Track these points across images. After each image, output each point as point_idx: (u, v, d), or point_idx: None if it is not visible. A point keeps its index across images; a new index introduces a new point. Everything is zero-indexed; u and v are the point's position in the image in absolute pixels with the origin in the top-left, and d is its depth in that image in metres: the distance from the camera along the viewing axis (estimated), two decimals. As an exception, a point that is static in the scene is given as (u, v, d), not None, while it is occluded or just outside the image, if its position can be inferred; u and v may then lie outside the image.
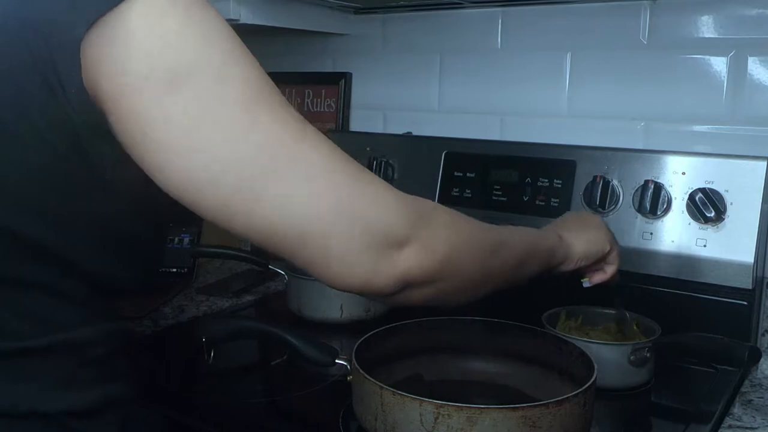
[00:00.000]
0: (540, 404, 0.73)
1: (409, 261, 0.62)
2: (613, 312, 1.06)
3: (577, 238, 0.89)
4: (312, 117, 1.62)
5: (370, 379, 0.79)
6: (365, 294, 0.64)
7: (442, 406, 0.72)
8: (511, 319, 0.98)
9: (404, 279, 0.63)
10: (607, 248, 0.92)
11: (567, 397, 0.74)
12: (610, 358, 0.95)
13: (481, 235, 0.73)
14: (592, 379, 0.79)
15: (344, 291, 0.63)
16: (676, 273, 1.10)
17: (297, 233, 0.58)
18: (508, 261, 0.77)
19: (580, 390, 0.76)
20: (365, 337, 0.90)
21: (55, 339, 0.60)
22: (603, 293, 1.11)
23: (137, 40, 0.52)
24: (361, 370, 0.81)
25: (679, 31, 1.18)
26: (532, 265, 0.81)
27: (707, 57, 1.17)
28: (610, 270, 0.94)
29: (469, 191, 1.29)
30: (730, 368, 1.04)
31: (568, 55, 1.29)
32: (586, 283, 0.94)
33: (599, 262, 0.93)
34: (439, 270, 0.65)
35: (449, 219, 0.69)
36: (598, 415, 0.89)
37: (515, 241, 0.79)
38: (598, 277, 0.94)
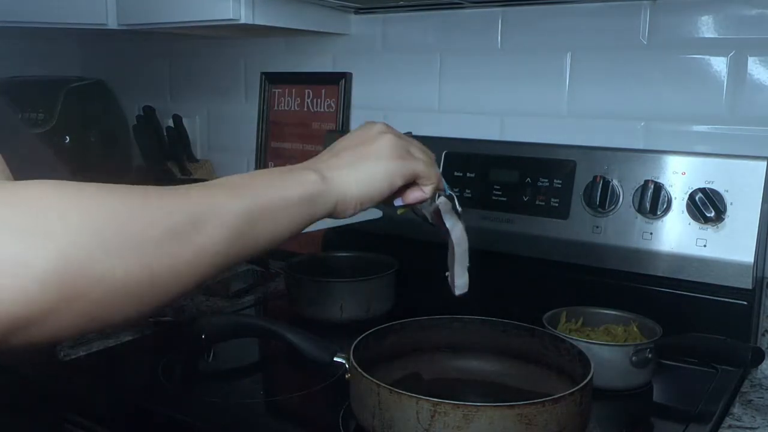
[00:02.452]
0: (536, 402, 0.73)
1: None
2: (614, 313, 1.06)
3: (349, 173, 0.66)
4: (312, 117, 1.62)
5: (368, 377, 0.79)
6: None
7: (438, 404, 0.72)
8: (512, 319, 0.98)
9: None
10: (398, 182, 0.69)
11: (563, 395, 0.74)
12: (612, 359, 0.95)
13: (137, 221, 0.48)
14: (589, 377, 0.79)
15: None
16: (676, 273, 1.10)
17: None
18: (207, 245, 0.52)
19: (576, 388, 0.76)
20: (363, 335, 0.90)
21: None
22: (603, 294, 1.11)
23: None
24: (358, 368, 0.81)
25: (679, 31, 1.18)
26: (270, 229, 0.59)
27: (707, 57, 1.17)
28: (428, 190, 0.73)
29: (469, 191, 1.29)
30: (730, 368, 1.03)
31: (568, 55, 1.29)
32: (398, 201, 0.73)
33: (406, 186, 0.72)
34: (46, 294, 0.43)
35: (65, 207, 0.45)
36: (599, 415, 0.89)
37: (225, 209, 0.55)
38: (414, 196, 0.73)
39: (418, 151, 0.73)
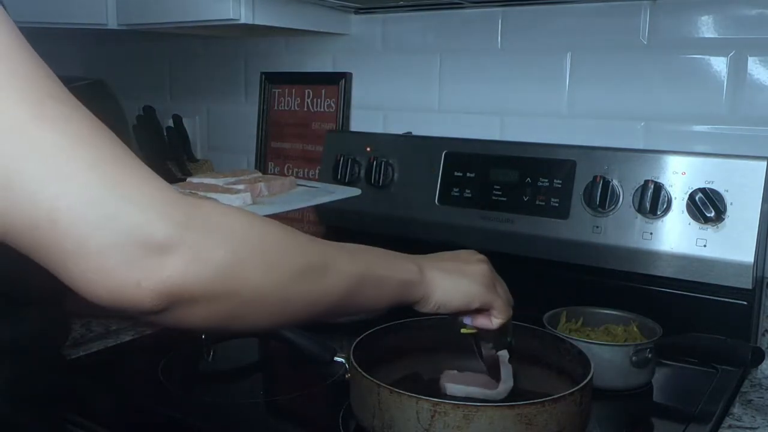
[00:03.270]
0: (536, 402, 0.73)
1: (172, 270, 0.51)
2: (614, 313, 1.06)
3: (442, 279, 0.76)
4: (312, 117, 1.62)
5: (368, 376, 0.79)
6: (122, 308, 0.52)
7: (438, 403, 0.73)
8: (512, 319, 0.98)
9: (168, 292, 0.52)
10: (475, 305, 0.78)
11: (563, 395, 0.74)
12: (612, 359, 0.95)
13: (289, 251, 0.61)
14: (589, 377, 0.79)
15: (96, 302, 0.53)
16: (676, 273, 1.10)
17: (45, 220, 0.49)
18: (328, 289, 0.64)
19: (576, 388, 0.76)
20: (364, 335, 0.91)
21: None
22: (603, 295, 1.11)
23: None
24: (358, 368, 0.81)
25: (679, 31, 1.18)
26: (372, 297, 0.70)
27: (707, 57, 1.17)
28: (496, 322, 0.81)
29: (469, 191, 1.29)
30: (730, 368, 1.03)
31: (568, 55, 1.29)
32: (467, 320, 0.82)
33: (480, 311, 0.81)
34: (214, 284, 0.54)
35: (236, 225, 0.57)
36: (599, 415, 0.89)
37: (347, 267, 0.66)
38: (481, 321, 0.82)
39: (502, 289, 0.82)
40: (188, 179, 1.32)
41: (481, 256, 0.82)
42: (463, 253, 0.83)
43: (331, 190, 1.29)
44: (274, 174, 1.68)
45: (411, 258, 0.76)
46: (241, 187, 1.20)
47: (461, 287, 0.77)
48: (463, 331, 0.82)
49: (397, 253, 0.75)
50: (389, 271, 0.72)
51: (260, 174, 1.36)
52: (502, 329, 0.83)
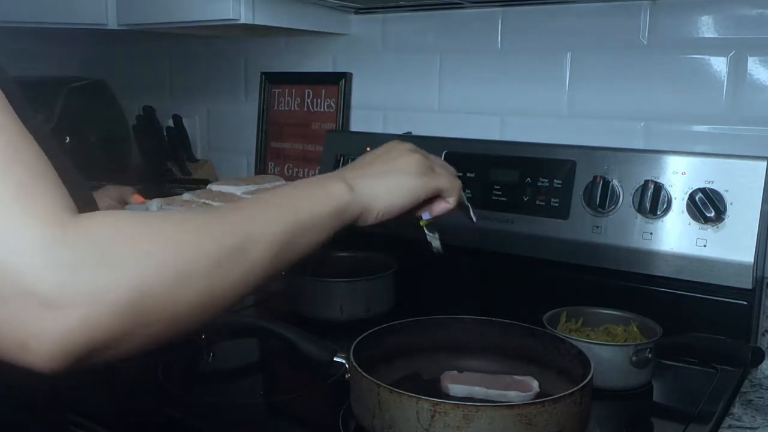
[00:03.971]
0: (536, 402, 0.74)
1: (64, 325, 0.44)
2: (614, 313, 1.06)
3: (375, 186, 0.70)
4: (312, 117, 1.62)
5: (368, 376, 0.79)
6: (33, 368, 0.46)
7: (438, 403, 0.72)
8: (512, 319, 0.98)
9: (65, 351, 0.45)
10: (421, 196, 0.74)
11: (563, 395, 0.74)
12: (612, 359, 0.95)
13: (200, 248, 0.52)
14: (588, 378, 0.79)
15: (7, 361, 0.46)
16: (676, 273, 1.10)
17: None
18: (256, 261, 0.57)
19: (576, 388, 0.76)
20: (364, 335, 0.91)
21: None
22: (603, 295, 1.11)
23: None
24: (358, 368, 0.81)
25: (679, 31, 1.18)
26: (309, 241, 0.64)
27: (707, 57, 1.17)
28: (452, 201, 0.78)
29: (469, 191, 1.29)
30: (730, 368, 1.03)
31: (568, 55, 1.29)
32: (426, 215, 0.78)
33: (432, 199, 0.77)
34: (123, 325, 0.46)
35: (136, 246, 0.48)
36: (600, 415, 0.89)
37: (268, 228, 0.59)
38: (440, 208, 0.78)
39: (440, 167, 0.77)
40: (209, 186, 1.31)
41: (408, 145, 0.76)
42: (384, 148, 0.76)
43: None
44: (275, 174, 1.68)
45: (335, 176, 0.70)
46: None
47: (398, 186, 0.72)
48: (422, 224, 0.80)
49: (319, 178, 0.70)
50: (316, 206, 0.65)
51: (282, 181, 1.35)
52: (463, 205, 0.81)
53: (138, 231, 0.50)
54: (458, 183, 0.78)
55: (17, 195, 0.45)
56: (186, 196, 1.24)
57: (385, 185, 0.71)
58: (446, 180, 0.76)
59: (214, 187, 1.29)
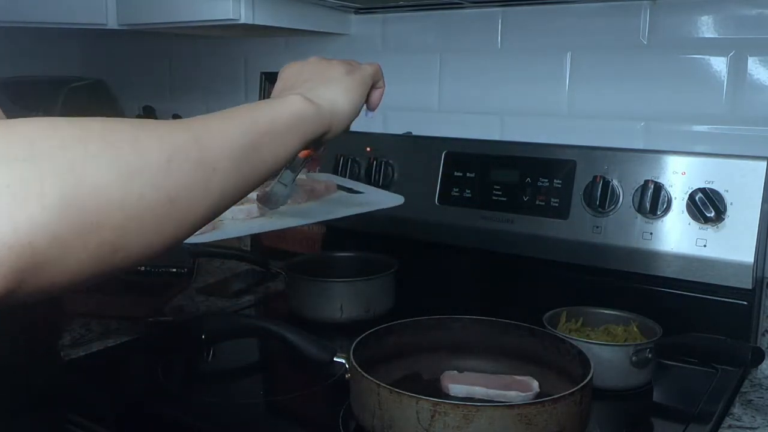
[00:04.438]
0: (536, 402, 0.74)
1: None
2: (614, 313, 1.06)
3: (329, 92, 0.70)
4: (312, 117, 1.62)
5: (368, 376, 0.79)
6: None
7: (438, 403, 0.73)
8: (512, 319, 0.98)
9: (10, 257, 0.39)
10: (369, 87, 0.76)
11: (563, 395, 0.74)
12: (612, 359, 0.95)
13: (151, 145, 0.48)
14: (588, 377, 0.79)
15: None
16: (676, 273, 1.10)
17: None
18: (221, 163, 0.53)
19: (576, 388, 0.76)
20: (364, 335, 0.91)
21: None
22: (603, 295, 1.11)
23: None
24: (358, 368, 0.81)
25: (679, 31, 1.18)
26: (269, 151, 0.59)
27: (707, 57, 1.17)
28: (382, 83, 0.81)
29: (469, 191, 1.29)
30: (730, 368, 1.03)
31: (568, 55, 1.29)
32: (370, 114, 0.80)
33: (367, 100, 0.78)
34: (67, 220, 0.41)
35: (65, 136, 0.44)
36: (600, 415, 0.89)
37: (226, 134, 0.55)
38: (377, 95, 0.80)
39: (349, 60, 0.78)
40: None
41: (313, 58, 0.79)
42: (298, 66, 0.78)
43: (371, 199, 1.17)
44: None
45: (285, 95, 0.67)
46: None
47: (348, 87, 0.72)
48: (369, 116, 0.81)
49: (269, 99, 0.67)
50: (277, 115, 0.62)
51: (303, 176, 1.29)
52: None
53: (79, 126, 0.45)
54: (377, 64, 0.80)
55: None
56: None
57: (336, 88, 0.71)
58: (369, 66, 0.78)
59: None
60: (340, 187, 1.21)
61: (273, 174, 0.63)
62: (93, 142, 0.45)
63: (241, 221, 1.04)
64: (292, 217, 1.05)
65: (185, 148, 0.50)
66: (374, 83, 0.79)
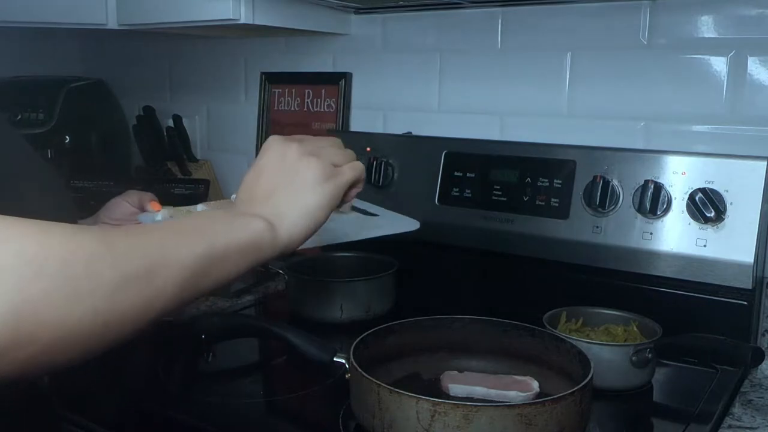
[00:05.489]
0: (536, 402, 0.74)
1: None
2: (614, 313, 1.06)
3: (291, 213, 0.66)
4: (312, 117, 1.62)
5: (368, 377, 0.79)
6: None
7: (438, 403, 0.72)
8: (512, 319, 0.98)
9: None
10: (337, 202, 0.70)
11: (563, 395, 0.74)
12: (612, 359, 0.95)
13: (99, 268, 0.48)
14: (588, 377, 0.79)
15: None
16: (676, 273, 1.10)
17: None
18: (165, 288, 0.53)
19: (576, 388, 0.76)
20: (364, 335, 0.91)
21: None
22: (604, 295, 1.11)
23: None
24: (358, 368, 0.81)
25: (679, 31, 1.18)
26: (220, 274, 0.59)
27: (707, 57, 1.17)
28: (360, 185, 0.74)
29: (469, 191, 1.29)
30: (730, 368, 1.03)
31: (568, 55, 1.29)
32: (345, 208, 0.76)
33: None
34: (5, 334, 0.43)
35: (21, 253, 0.44)
36: (600, 415, 0.89)
37: (178, 256, 0.55)
38: (352, 195, 0.74)
39: (335, 155, 0.71)
40: (232, 196, 1.25)
41: (294, 148, 0.69)
42: (273, 160, 0.69)
43: (386, 222, 1.16)
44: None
45: (247, 212, 0.65)
46: None
47: (314, 205, 0.67)
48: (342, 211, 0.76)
49: (234, 212, 0.66)
50: (233, 237, 0.60)
51: None
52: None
53: (34, 238, 0.46)
54: (361, 167, 0.73)
55: None
56: (200, 207, 1.21)
57: (301, 208, 0.66)
58: (351, 171, 0.71)
59: (235, 197, 1.24)
60: (354, 208, 1.19)
61: (201, 296, 0.60)
62: (50, 260, 0.45)
63: None
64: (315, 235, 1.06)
65: (136, 274, 0.50)
66: (350, 182, 0.72)
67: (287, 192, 0.67)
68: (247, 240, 0.62)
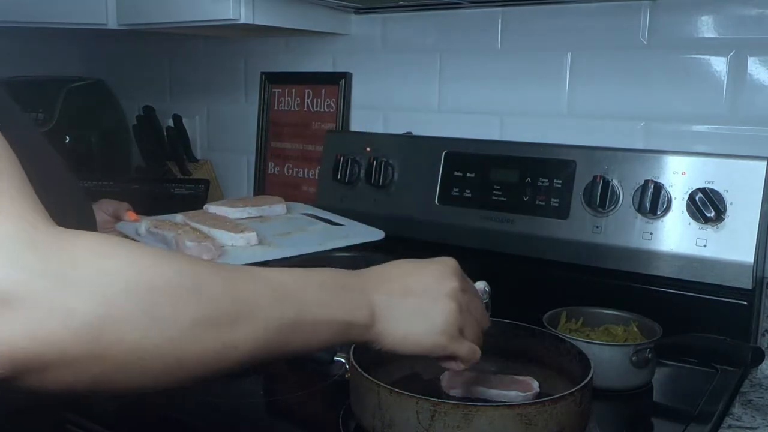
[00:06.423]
0: (536, 402, 0.74)
1: (15, 328, 0.41)
2: (614, 313, 1.06)
3: (397, 323, 0.64)
4: (312, 117, 1.62)
5: (368, 377, 0.79)
6: None
7: (438, 403, 0.72)
8: (512, 319, 0.98)
9: (7, 355, 0.42)
10: (436, 355, 0.67)
11: (563, 395, 0.74)
12: (612, 359, 0.95)
13: (186, 300, 0.48)
14: (588, 377, 0.79)
15: None
16: (676, 273, 1.10)
17: None
18: (238, 342, 0.51)
19: (576, 388, 0.76)
20: (363, 335, 0.90)
21: None
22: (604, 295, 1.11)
23: None
24: (358, 368, 0.81)
25: (679, 31, 1.18)
26: (301, 344, 0.57)
27: (707, 57, 1.17)
28: (462, 366, 0.69)
29: (469, 191, 1.29)
30: (730, 368, 1.03)
31: (568, 55, 1.29)
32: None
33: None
34: (74, 347, 0.43)
35: (114, 270, 0.45)
36: (600, 415, 0.89)
37: (267, 312, 0.54)
38: (448, 365, 0.70)
39: (471, 325, 0.69)
40: (205, 207, 1.27)
41: (453, 286, 0.67)
42: (432, 278, 0.67)
43: (350, 232, 1.21)
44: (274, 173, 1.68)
45: (363, 289, 0.63)
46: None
47: (419, 337, 0.65)
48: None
49: (347, 281, 0.63)
50: (330, 313, 0.59)
51: (283, 203, 1.30)
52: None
53: (126, 258, 0.47)
54: (477, 354, 0.69)
55: None
56: (178, 218, 1.22)
57: (405, 328, 0.64)
58: (466, 350, 0.68)
59: (210, 208, 1.26)
60: (319, 218, 1.27)
61: (276, 360, 0.60)
62: (139, 283, 0.46)
63: (242, 249, 1.09)
64: (289, 246, 1.10)
65: (219, 320, 0.50)
66: (459, 359, 0.69)
67: (411, 305, 0.65)
68: (342, 320, 0.60)
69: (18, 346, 0.42)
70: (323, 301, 0.59)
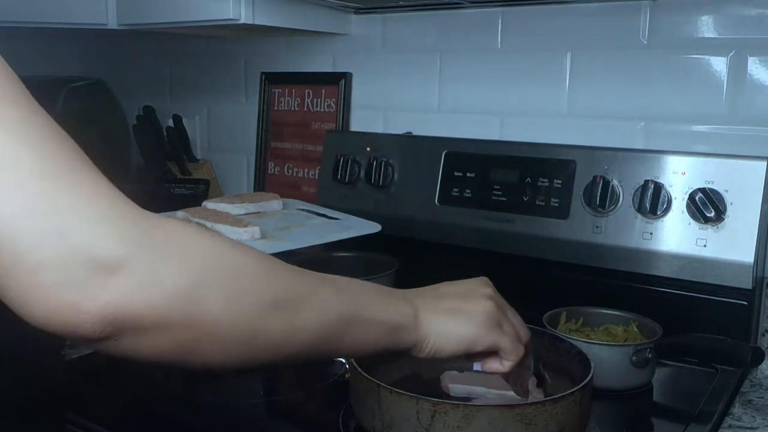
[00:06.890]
0: (536, 402, 0.74)
1: (118, 292, 0.47)
2: (614, 313, 1.06)
3: (438, 322, 0.69)
4: (312, 117, 1.62)
5: (368, 377, 0.79)
6: (62, 333, 0.47)
7: (438, 403, 0.72)
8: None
9: (111, 317, 0.47)
10: (477, 348, 0.71)
11: (563, 395, 0.74)
12: (612, 359, 0.95)
13: (259, 281, 0.55)
14: (588, 377, 0.79)
15: (34, 324, 0.47)
16: (676, 273, 1.10)
17: None
18: (304, 326, 0.58)
19: (576, 388, 0.76)
20: (363, 335, 0.90)
21: None
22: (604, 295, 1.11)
23: None
24: (359, 368, 0.81)
25: (679, 31, 1.18)
26: (356, 340, 0.63)
27: (707, 57, 1.17)
28: (506, 364, 0.74)
29: (469, 191, 1.29)
30: (730, 368, 1.03)
31: (568, 55, 1.29)
32: (477, 366, 0.76)
33: (488, 353, 0.74)
34: (166, 312, 0.49)
35: (200, 248, 0.52)
36: (600, 415, 0.89)
37: (328, 303, 0.60)
38: (492, 367, 0.75)
39: (510, 326, 0.74)
40: (204, 203, 1.29)
41: (487, 291, 0.75)
42: (466, 285, 0.75)
43: (348, 224, 1.25)
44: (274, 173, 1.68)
45: (405, 296, 0.69)
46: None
47: (459, 330, 0.70)
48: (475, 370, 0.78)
49: (392, 290, 0.69)
50: (381, 312, 0.64)
51: (280, 199, 1.33)
52: (522, 362, 0.76)
53: (211, 241, 0.54)
54: (521, 349, 0.74)
55: (90, 171, 0.49)
56: (180, 214, 1.22)
57: (445, 325, 0.70)
58: (508, 341, 0.73)
59: (209, 204, 1.27)
60: (315, 213, 1.30)
61: (331, 357, 0.68)
62: (226, 265, 0.53)
63: (246, 243, 1.08)
64: (292, 240, 1.14)
65: (285, 303, 0.56)
66: (501, 355, 0.74)
67: (450, 306, 0.71)
68: (392, 320, 0.66)
69: (121, 309, 0.47)
70: (377, 301, 0.66)
